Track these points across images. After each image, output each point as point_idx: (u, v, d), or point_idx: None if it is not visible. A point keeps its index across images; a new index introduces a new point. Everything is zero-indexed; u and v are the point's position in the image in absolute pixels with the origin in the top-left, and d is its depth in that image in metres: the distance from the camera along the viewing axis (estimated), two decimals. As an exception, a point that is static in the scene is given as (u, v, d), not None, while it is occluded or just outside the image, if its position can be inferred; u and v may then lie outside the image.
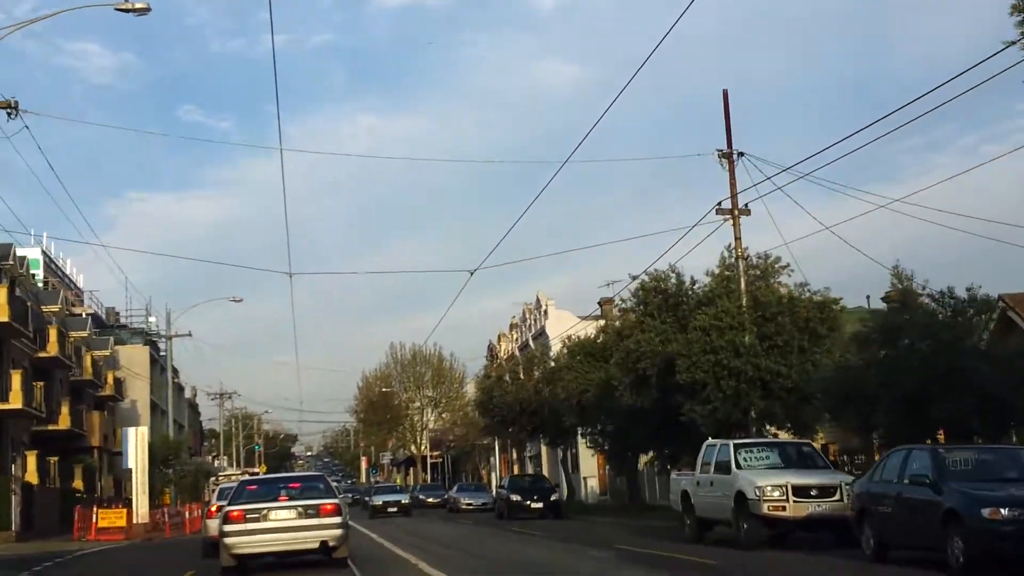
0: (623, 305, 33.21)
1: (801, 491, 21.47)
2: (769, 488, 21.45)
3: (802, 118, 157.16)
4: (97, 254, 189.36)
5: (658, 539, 26.21)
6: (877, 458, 23.26)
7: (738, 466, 22.98)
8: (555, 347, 52.81)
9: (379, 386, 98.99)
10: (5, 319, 44.58)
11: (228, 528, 20.15)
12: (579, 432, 48.75)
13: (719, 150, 31.75)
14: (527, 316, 76.95)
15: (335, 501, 20.85)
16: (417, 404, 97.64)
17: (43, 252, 72.76)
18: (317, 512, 20.28)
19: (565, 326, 54.93)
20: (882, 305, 30.76)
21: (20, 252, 63.79)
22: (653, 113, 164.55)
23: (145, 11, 24.43)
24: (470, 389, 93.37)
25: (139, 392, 77.77)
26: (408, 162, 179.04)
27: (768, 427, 30.34)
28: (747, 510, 21.85)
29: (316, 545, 20.45)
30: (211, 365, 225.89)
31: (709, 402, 28.93)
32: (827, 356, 29.16)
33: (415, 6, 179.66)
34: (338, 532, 20.48)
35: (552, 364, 51.68)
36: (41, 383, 51.13)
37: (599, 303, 68.34)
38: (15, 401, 44.91)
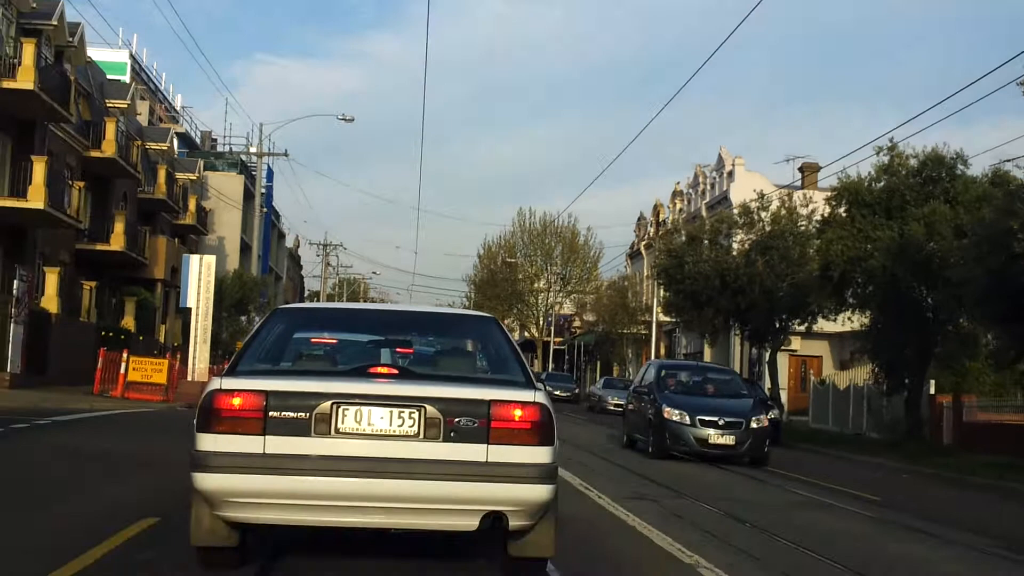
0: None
1: None
2: None
3: None
4: (227, 105, 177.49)
5: None
6: None
7: None
8: (772, 206, 38.38)
9: (502, 255, 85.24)
10: (29, 85, 31.80)
11: (213, 444, 6.35)
12: (821, 317, 34.43)
13: None
14: (700, 181, 62.63)
15: (531, 397, 6.60)
16: (543, 282, 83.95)
17: (131, 56, 60.55)
18: (480, 429, 6.44)
19: (753, 193, 40.43)
20: None
21: (106, 57, 51.87)
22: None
23: None
24: (600, 276, 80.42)
25: (228, 229, 65.80)
26: (533, 53, 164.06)
27: None
28: None
29: (471, 523, 6.53)
30: (320, 218, 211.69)
31: None
32: None
33: None
34: (535, 492, 6.49)
35: (768, 228, 37.45)
36: (82, 183, 38.53)
37: (800, 169, 54.42)
38: (34, 198, 32.19)
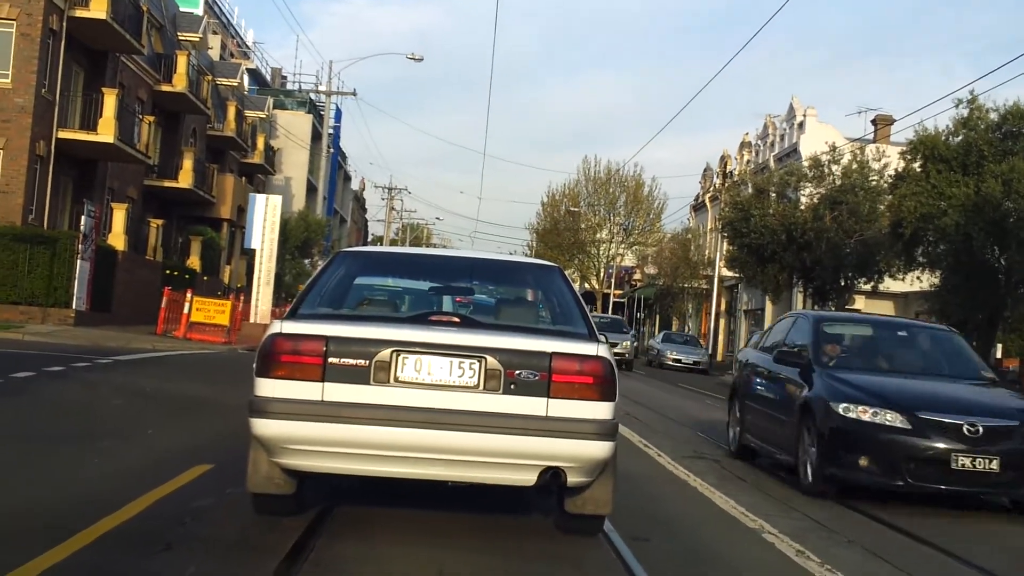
0: None
1: None
2: None
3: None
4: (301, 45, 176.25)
5: None
6: None
7: None
8: (843, 160, 37.66)
9: (566, 204, 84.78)
10: (101, 15, 31.87)
11: (271, 390, 6.23)
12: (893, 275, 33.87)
13: None
14: (769, 132, 61.57)
15: (594, 351, 6.39)
16: (605, 232, 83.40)
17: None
18: (541, 382, 6.25)
19: (824, 146, 39.65)
20: None
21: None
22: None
23: None
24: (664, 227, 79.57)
25: (296, 170, 66.09)
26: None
27: None
28: None
29: (528, 478, 6.37)
30: (386, 160, 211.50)
31: None
32: None
33: None
34: (594, 448, 6.31)
35: (838, 182, 36.80)
36: (151, 118, 38.73)
37: (873, 122, 53.32)
38: (104, 132, 32.35)
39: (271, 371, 6.23)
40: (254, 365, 6.35)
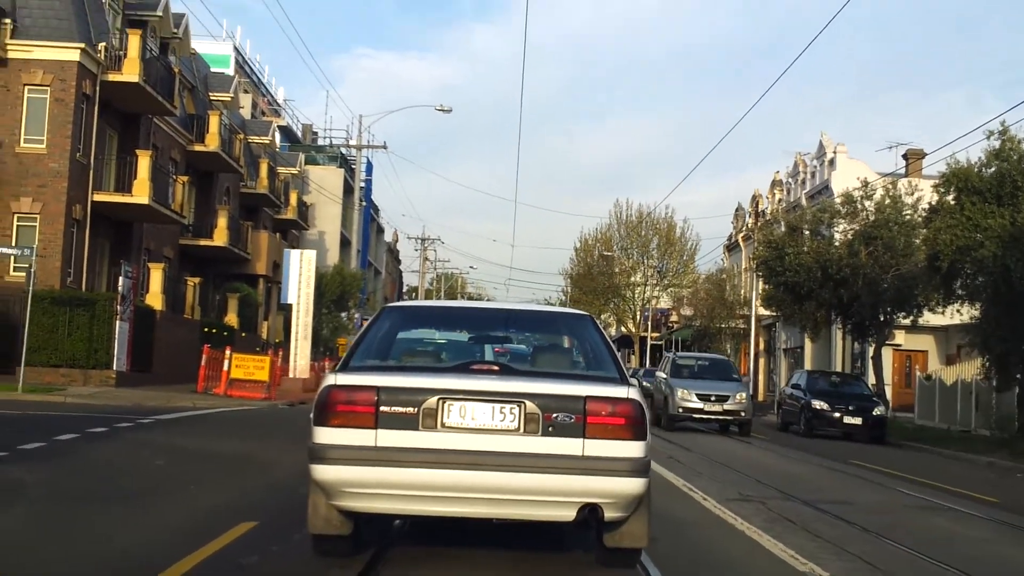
0: None
1: None
2: None
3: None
4: (329, 99, 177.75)
5: None
6: None
7: None
8: (875, 194, 37.47)
9: (599, 248, 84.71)
10: (134, 78, 32.33)
11: (329, 438, 6.59)
12: (932, 309, 33.52)
13: None
14: (800, 169, 61.43)
15: (625, 394, 6.74)
16: (640, 275, 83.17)
17: (235, 49, 61.37)
18: (576, 424, 6.62)
19: (855, 182, 39.47)
20: None
21: (210, 49, 52.69)
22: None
23: None
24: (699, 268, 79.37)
25: (328, 223, 66.34)
26: (630, 41, 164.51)
27: None
28: None
29: (568, 514, 6.69)
30: (418, 211, 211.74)
31: None
32: None
33: None
34: (628, 485, 6.66)
35: (872, 217, 36.60)
36: (186, 178, 39.11)
37: (904, 156, 53.09)
38: (139, 193, 32.71)
39: (328, 420, 6.61)
40: (311, 415, 6.69)
